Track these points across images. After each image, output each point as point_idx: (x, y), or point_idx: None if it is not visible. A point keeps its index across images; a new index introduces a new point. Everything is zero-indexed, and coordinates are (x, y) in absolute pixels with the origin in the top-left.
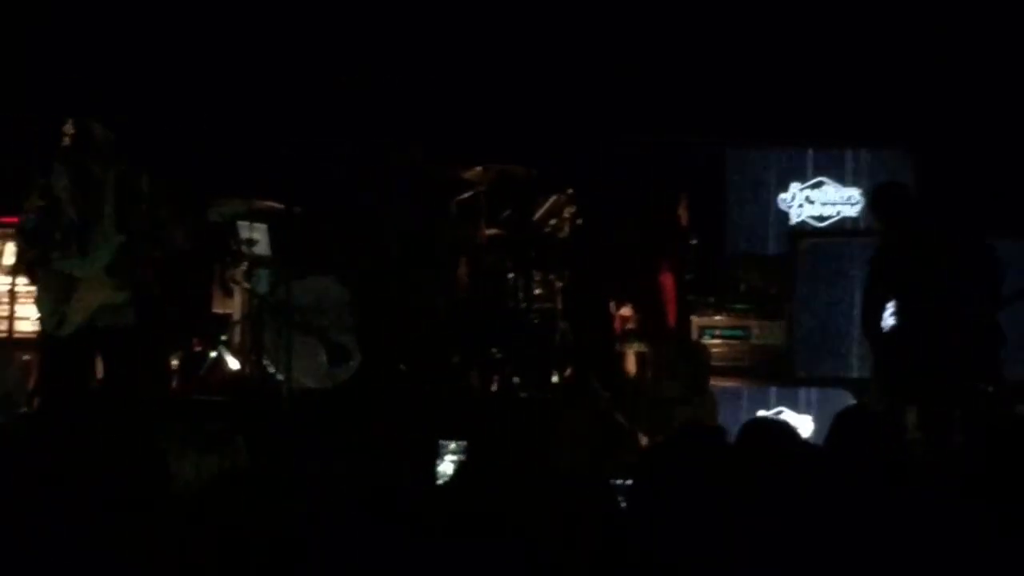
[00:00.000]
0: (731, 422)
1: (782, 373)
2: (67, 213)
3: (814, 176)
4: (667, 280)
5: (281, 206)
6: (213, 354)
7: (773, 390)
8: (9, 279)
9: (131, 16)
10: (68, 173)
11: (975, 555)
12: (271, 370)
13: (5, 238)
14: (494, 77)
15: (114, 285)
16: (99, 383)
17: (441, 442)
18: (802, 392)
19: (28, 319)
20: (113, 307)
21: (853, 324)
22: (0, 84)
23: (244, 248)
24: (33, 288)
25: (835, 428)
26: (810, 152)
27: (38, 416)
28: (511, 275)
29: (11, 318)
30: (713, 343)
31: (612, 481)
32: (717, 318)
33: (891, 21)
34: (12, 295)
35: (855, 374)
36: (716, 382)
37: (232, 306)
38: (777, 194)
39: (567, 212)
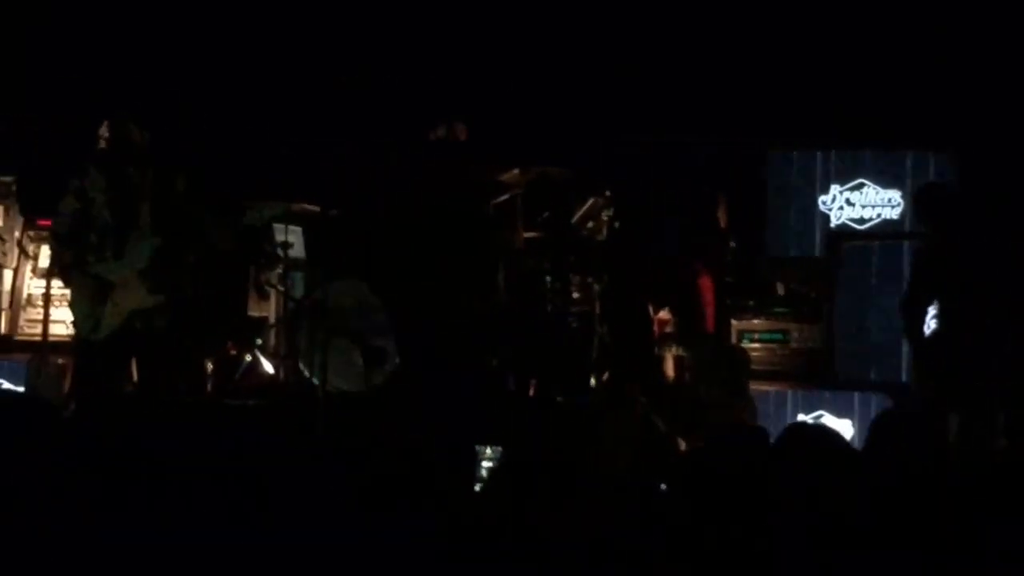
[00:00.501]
0: (770, 427)
1: (822, 377)
2: (102, 216)
3: (854, 178)
4: (706, 283)
5: (316, 209)
6: (248, 358)
7: (812, 394)
8: (44, 282)
9: (167, 18)
10: (103, 176)
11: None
12: (306, 374)
13: (41, 241)
14: (532, 77)
15: (149, 288)
16: (134, 387)
17: (477, 447)
18: (842, 396)
19: (63, 323)
20: (148, 311)
21: (894, 327)
22: (36, 87)
23: (279, 251)
24: (68, 291)
25: (873, 432)
26: (850, 153)
27: (73, 420)
28: (548, 278)
29: (46, 321)
30: (752, 347)
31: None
32: (756, 322)
33: (936, 22)
34: (47, 298)
35: (897, 378)
36: (755, 386)
37: (267, 309)
38: (817, 196)
39: (605, 215)
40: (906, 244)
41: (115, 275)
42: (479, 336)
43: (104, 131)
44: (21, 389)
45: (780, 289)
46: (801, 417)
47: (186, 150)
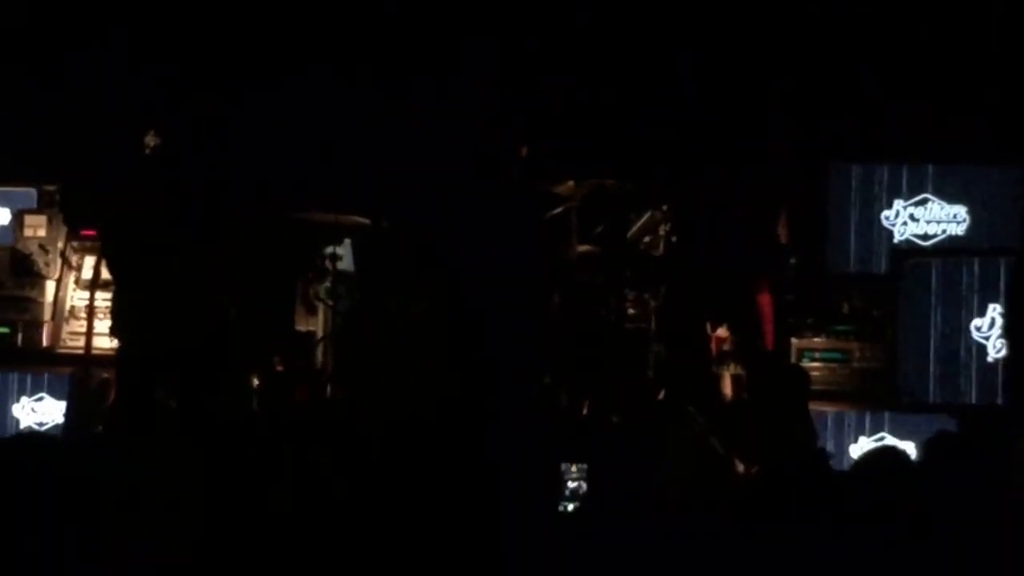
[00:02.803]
0: (830, 448)
1: (885, 398)
2: (149, 226)
3: (918, 192)
4: (765, 300)
5: (367, 221)
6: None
7: (874, 415)
8: (88, 294)
9: (215, 25)
10: (150, 184)
11: None
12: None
13: (84, 252)
14: (587, 86)
15: (195, 300)
16: (177, 402)
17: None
18: (906, 418)
19: (107, 335)
20: (193, 323)
21: (961, 347)
22: (81, 95)
23: (328, 264)
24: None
25: (926, 455)
26: (914, 167)
27: (114, 435)
28: (604, 294)
29: (89, 334)
30: (813, 366)
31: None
32: (817, 340)
33: (1003, 33)
34: (91, 311)
35: (963, 400)
36: (815, 407)
37: (315, 324)
38: (880, 211)
39: (662, 229)
40: (972, 260)
41: (160, 286)
42: (531, 353)
43: (151, 139)
44: (63, 404)
45: (842, 307)
46: (863, 439)
47: (231, 159)
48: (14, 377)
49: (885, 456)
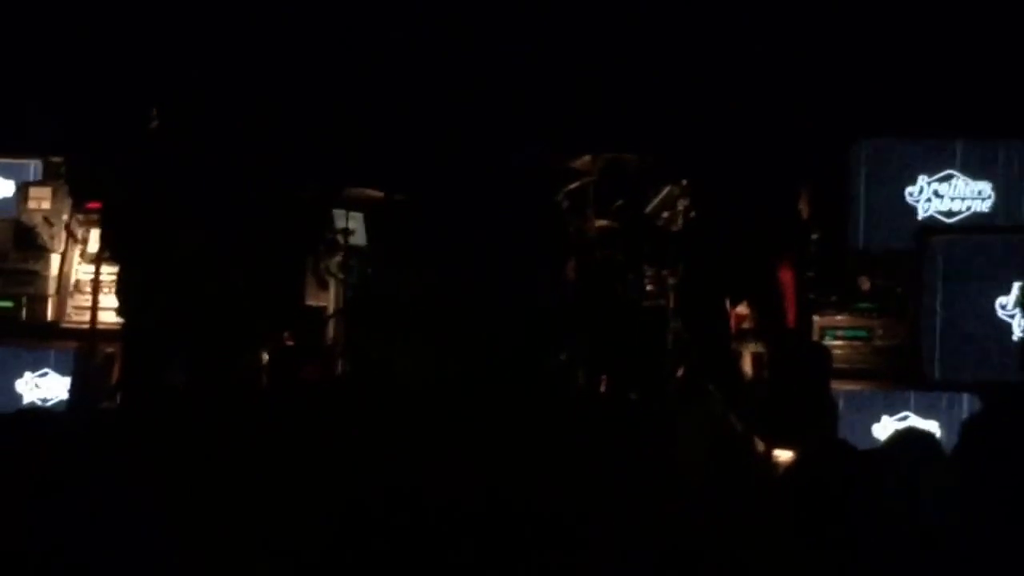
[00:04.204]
0: (852, 428)
1: (908, 377)
2: (153, 198)
3: (943, 168)
4: (787, 277)
5: (380, 194)
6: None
7: (898, 394)
8: (93, 268)
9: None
10: (153, 157)
11: None
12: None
13: (90, 225)
14: (604, 58)
15: (200, 274)
16: (184, 378)
17: None
18: (929, 397)
19: (112, 310)
20: (198, 297)
21: (985, 326)
22: (87, 67)
23: (340, 238)
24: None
25: (965, 435)
26: (937, 143)
27: (120, 412)
28: (621, 270)
29: (95, 309)
30: (835, 344)
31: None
32: (839, 318)
33: None
34: (96, 285)
35: (987, 378)
36: (837, 385)
37: (326, 299)
38: (904, 187)
39: (681, 204)
40: (997, 238)
41: (164, 260)
42: (547, 329)
43: (155, 113)
44: (68, 379)
45: (865, 284)
46: (885, 419)
47: (241, 130)
48: (18, 352)
49: (914, 440)
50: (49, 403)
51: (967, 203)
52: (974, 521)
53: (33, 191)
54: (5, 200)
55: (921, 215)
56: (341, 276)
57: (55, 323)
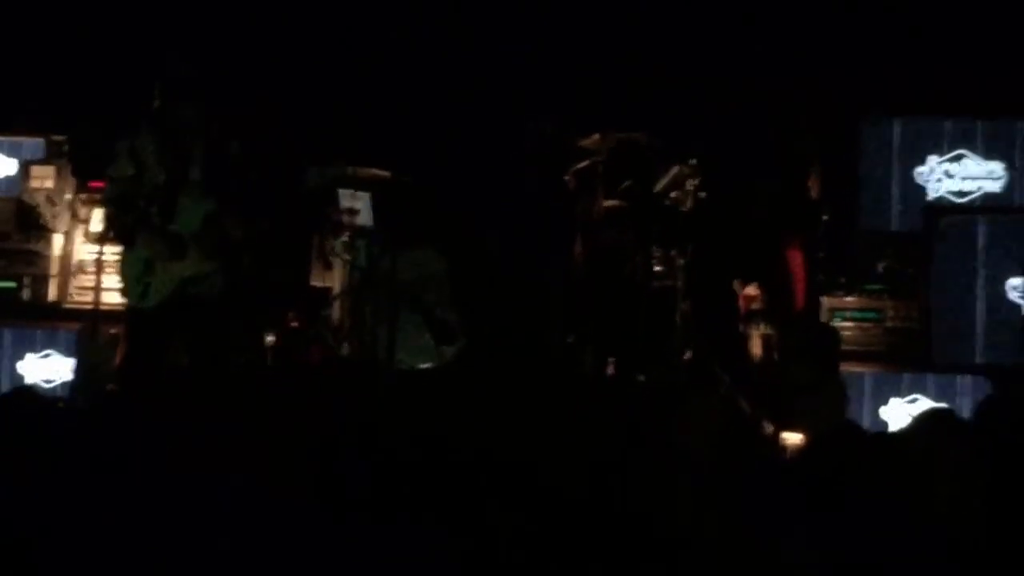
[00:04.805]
0: (862, 410)
1: (918, 358)
2: (153, 178)
3: (954, 148)
4: (796, 258)
5: (386, 174)
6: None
7: (907, 376)
8: (96, 248)
9: None
10: (155, 136)
11: None
12: (373, 348)
13: (93, 204)
14: (612, 35)
15: (201, 254)
16: (187, 360)
17: None
18: (940, 379)
19: (115, 290)
20: (201, 277)
21: (996, 307)
22: (90, 46)
23: (345, 218)
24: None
25: (977, 418)
26: (949, 122)
27: (123, 395)
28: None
29: (98, 289)
30: (844, 326)
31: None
32: (849, 299)
33: None
34: (99, 265)
35: (998, 360)
36: (846, 367)
37: (331, 280)
38: (914, 167)
39: (690, 184)
40: (1009, 219)
41: (164, 240)
42: (555, 310)
43: (159, 92)
44: (71, 360)
45: (875, 265)
46: (895, 401)
47: (245, 107)
48: (20, 333)
49: (938, 420)
50: (52, 384)
51: (978, 183)
52: (989, 507)
53: (35, 170)
54: (7, 179)
55: (932, 195)
56: (346, 257)
57: (58, 304)
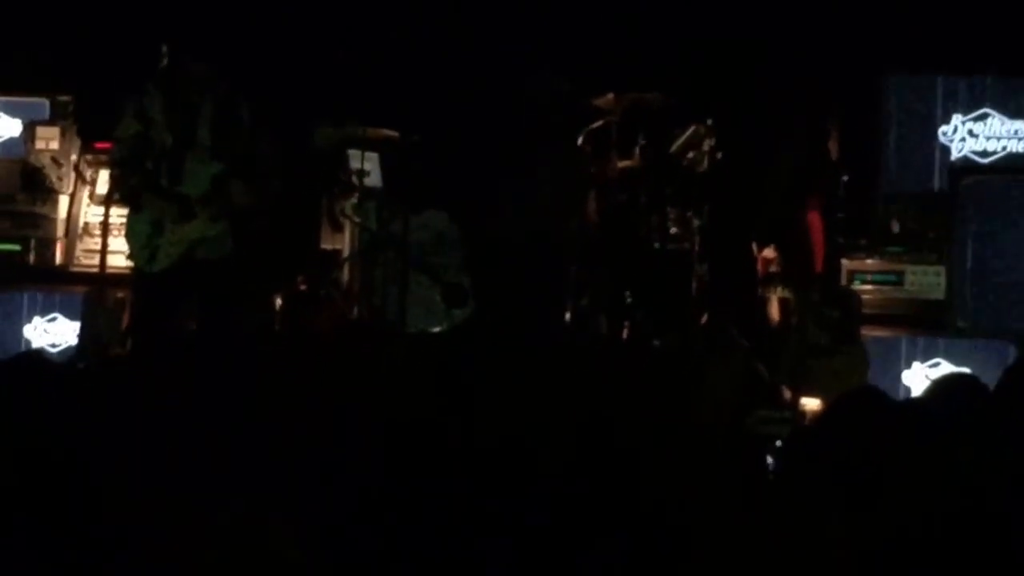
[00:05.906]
0: (882, 375)
1: (940, 322)
2: (161, 139)
3: (978, 107)
4: (815, 220)
5: (395, 134)
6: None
7: (928, 341)
8: (103, 210)
9: None
10: (163, 95)
11: None
12: (383, 311)
13: (99, 165)
14: None
15: (209, 216)
16: (195, 323)
17: None
18: (961, 344)
19: (122, 253)
20: (209, 239)
21: (1020, 271)
22: (95, 2)
23: (355, 179)
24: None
25: (1005, 383)
26: (973, 80)
27: (130, 359)
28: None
29: (104, 252)
30: (864, 289)
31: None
32: (869, 262)
33: None
34: (106, 227)
35: (1021, 324)
36: (867, 331)
37: (341, 242)
38: (937, 126)
39: (706, 144)
40: None
41: (171, 201)
42: (568, 273)
43: (166, 51)
44: (77, 324)
45: (895, 227)
46: (916, 365)
47: (253, 67)
48: (26, 296)
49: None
50: (58, 348)
51: (1003, 143)
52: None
53: (41, 131)
54: (12, 140)
55: (955, 155)
56: (356, 219)
57: (64, 267)
